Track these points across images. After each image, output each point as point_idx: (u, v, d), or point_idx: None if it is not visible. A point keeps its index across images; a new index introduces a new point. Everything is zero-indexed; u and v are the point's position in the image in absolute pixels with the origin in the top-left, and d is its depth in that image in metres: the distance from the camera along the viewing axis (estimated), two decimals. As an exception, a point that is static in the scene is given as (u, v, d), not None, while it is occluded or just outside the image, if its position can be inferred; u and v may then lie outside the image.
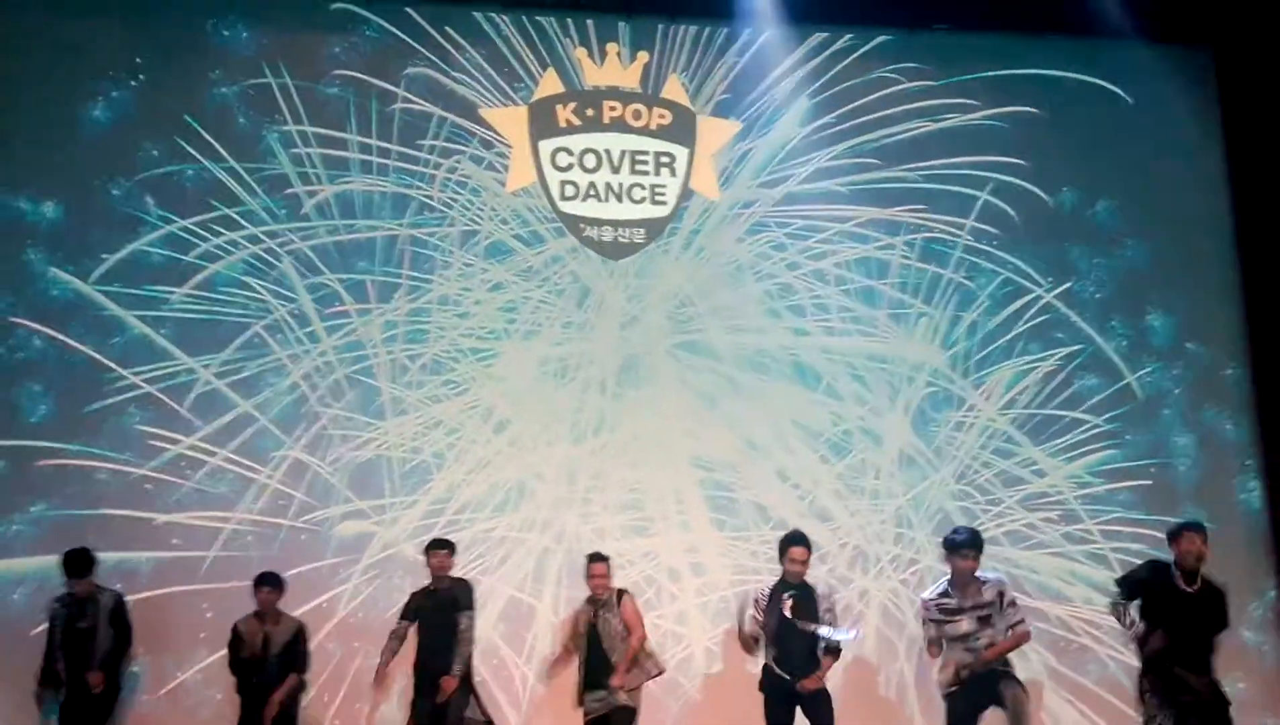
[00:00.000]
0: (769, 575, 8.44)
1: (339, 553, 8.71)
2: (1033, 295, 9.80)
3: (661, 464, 9.19)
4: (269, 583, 7.78)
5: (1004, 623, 7.11)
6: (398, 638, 7.73)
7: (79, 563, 7.72)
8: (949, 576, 7.18)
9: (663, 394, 9.31)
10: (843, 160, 9.78)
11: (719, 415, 9.33)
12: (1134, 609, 6.93)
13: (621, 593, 7.71)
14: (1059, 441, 9.58)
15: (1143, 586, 6.94)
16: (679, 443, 9.24)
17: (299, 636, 7.77)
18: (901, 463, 9.44)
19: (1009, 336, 9.71)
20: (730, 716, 8.48)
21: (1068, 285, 9.88)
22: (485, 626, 8.47)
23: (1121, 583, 7.06)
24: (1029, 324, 9.75)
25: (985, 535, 7.62)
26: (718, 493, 9.19)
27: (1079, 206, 10.02)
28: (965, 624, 7.06)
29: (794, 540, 7.44)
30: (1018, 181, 9.90)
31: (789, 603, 7.25)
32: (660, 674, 7.73)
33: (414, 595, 7.87)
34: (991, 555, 7.83)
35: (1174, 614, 6.78)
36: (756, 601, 7.41)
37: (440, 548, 7.88)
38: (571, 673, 7.64)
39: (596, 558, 7.75)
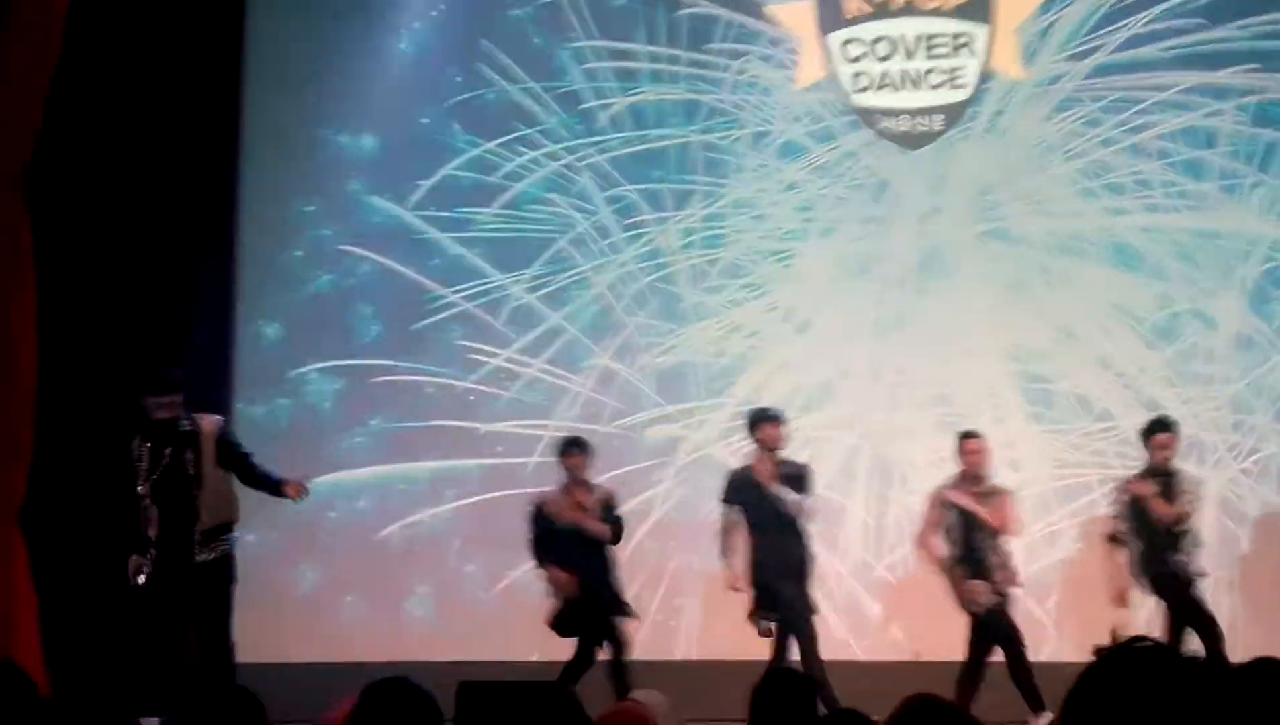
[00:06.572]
0: (1091, 469, 8.10)
1: (651, 456, 8.93)
2: (1389, 152, 8.80)
3: (970, 357, 8.87)
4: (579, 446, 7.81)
5: None
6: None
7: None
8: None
9: (968, 285, 8.96)
10: (1160, 23, 8.99)
11: (1030, 304, 8.90)
12: None
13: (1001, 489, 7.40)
14: None
15: None
16: (988, 335, 8.89)
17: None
18: (1238, 345, 8.73)
19: (1361, 201, 8.77)
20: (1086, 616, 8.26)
21: None
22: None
23: None
24: (1384, 186, 8.77)
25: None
26: (1033, 385, 8.79)
27: None
28: None
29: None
30: (1368, 27, 8.87)
31: None
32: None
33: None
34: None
35: None
36: None
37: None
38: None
39: (970, 434, 7.53)
